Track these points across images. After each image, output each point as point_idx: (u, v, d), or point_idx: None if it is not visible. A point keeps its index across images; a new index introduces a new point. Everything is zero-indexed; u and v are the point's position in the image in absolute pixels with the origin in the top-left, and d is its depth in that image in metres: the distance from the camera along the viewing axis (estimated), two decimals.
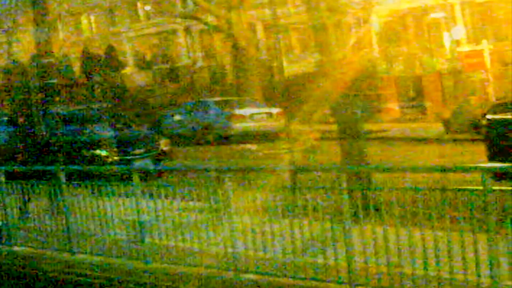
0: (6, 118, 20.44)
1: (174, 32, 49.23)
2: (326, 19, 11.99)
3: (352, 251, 7.61)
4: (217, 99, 31.33)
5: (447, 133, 24.79)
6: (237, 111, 28.56)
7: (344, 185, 7.64)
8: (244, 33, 32.92)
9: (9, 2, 49.79)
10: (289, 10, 37.44)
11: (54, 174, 10.91)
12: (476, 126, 19.55)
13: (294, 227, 8.17)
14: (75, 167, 15.75)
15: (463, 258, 6.95)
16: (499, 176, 8.03)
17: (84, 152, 18.00)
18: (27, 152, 16.87)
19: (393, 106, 32.23)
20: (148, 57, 52.74)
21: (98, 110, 23.03)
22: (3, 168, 12.14)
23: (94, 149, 18.08)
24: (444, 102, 30.01)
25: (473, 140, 20.05)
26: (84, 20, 58.77)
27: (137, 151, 18.46)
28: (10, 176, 12.14)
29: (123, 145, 18.52)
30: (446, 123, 25.17)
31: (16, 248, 11.61)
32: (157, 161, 18.53)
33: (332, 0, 12.02)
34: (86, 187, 10.65)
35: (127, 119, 22.70)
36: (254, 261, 8.47)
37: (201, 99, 32.72)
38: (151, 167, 17.43)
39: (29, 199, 11.68)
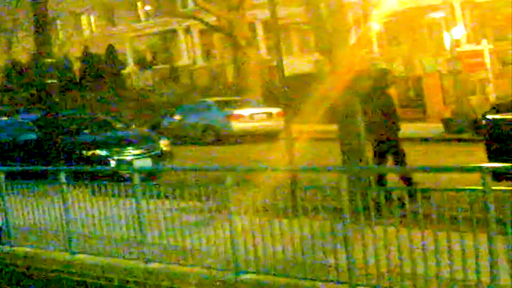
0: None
1: (174, 32, 49.20)
2: (326, 19, 11.97)
3: (352, 251, 7.61)
4: (217, 99, 31.30)
5: (447, 133, 24.81)
6: (237, 111, 28.56)
7: (344, 185, 7.64)
8: (244, 33, 32.92)
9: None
10: (289, 9, 37.42)
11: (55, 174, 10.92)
12: (476, 126, 19.53)
13: (294, 227, 8.17)
14: (75, 167, 15.78)
15: (463, 258, 6.94)
16: (499, 176, 8.04)
17: (84, 152, 17.99)
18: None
19: None
20: (148, 57, 52.72)
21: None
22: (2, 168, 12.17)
23: (94, 149, 18.08)
24: (444, 102, 30.01)
25: (473, 140, 20.05)
26: (84, 20, 58.78)
27: (137, 151, 18.44)
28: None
29: (123, 145, 18.51)
30: (446, 123, 25.18)
31: (16, 248, 11.61)
32: (157, 161, 18.52)
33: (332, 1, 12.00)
34: (86, 187, 10.65)
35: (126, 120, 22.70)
36: (254, 261, 8.47)
37: (201, 99, 32.71)
38: (151, 167, 17.43)
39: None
